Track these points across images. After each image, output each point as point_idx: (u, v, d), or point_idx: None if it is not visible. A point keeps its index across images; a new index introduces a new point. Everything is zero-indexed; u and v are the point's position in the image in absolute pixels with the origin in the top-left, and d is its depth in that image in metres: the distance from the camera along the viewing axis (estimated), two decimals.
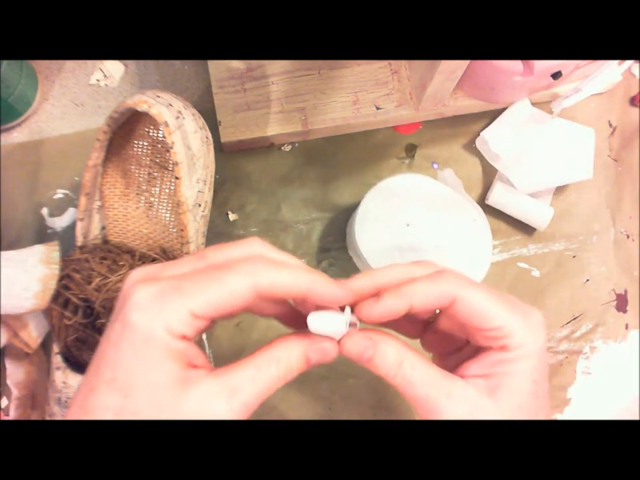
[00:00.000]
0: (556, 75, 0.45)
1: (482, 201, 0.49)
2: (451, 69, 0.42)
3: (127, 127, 0.40)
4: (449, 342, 0.29)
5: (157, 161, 0.42)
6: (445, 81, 0.44)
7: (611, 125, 0.52)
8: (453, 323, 0.29)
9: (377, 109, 0.48)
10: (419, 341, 0.31)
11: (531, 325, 0.25)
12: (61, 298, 0.38)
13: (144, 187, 0.43)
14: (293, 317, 0.28)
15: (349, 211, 0.48)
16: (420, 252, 0.43)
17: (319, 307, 0.25)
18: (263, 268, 0.23)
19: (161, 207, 0.43)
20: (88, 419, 0.22)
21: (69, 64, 0.49)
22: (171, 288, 0.22)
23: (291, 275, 0.23)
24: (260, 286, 0.23)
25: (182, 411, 0.21)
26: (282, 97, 0.48)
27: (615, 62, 0.42)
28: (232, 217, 0.48)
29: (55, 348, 0.39)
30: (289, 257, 0.25)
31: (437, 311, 0.30)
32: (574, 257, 0.50)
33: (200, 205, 0.40)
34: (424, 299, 0.25)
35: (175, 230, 0.43)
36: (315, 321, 0.24)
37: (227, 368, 0.23)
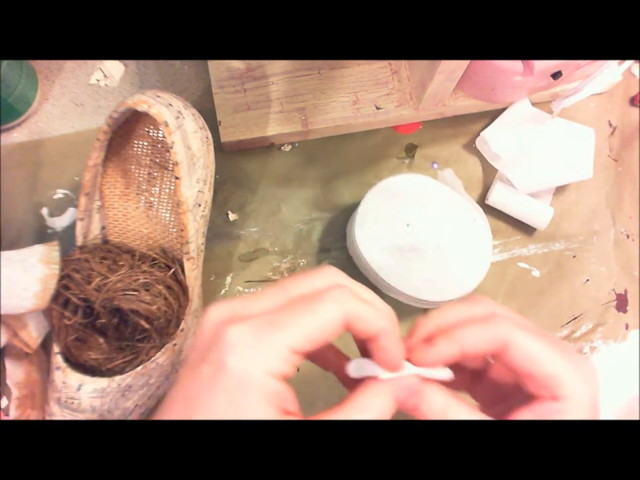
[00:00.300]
0: (556, 75, 0.45)
1: (482, 201, 0.49)
2: (450, 69, 0.42)
3: (126, 127, 0.40)
4: (498, 391, 0.29)
5: (157, 160, 0.42)
6: (445, 81, 0.44)
7: (610, 125, 0.52)
8: (503, 371, 0.28)
9: (377, 108, 0.48)
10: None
11: (583, 375, 0.24)
12: (60, 298, 0.38)
13: (144, 187, 0.43)
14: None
15: (349, 211, 0.48)
16: (420, 252, 0.43)
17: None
18: (350, 297, 0.23)
19: (161, 207, 0.43)
20: None
21: (69, 64, 0.49)
22: (266, 325, 0.22)
23: (372, 311, 0.23)
24: (350, 315, 0.22)
25: None
26: (282, 96, 0.48)
27: (615, 62, 0.42)
28: (232, 216, 0.48)
29: (55, 348, 0.39)
30: (364, 288, 0.25)
31: (491, 360, 0.29)
32: (574, 257, 0.50)
33: (200, 205, 0.40)
34: (475, 343, 0.25)
35: (174, 230, 0.43)
36: (355, 370, 0.24)
37: (317, 418, 0.22)
